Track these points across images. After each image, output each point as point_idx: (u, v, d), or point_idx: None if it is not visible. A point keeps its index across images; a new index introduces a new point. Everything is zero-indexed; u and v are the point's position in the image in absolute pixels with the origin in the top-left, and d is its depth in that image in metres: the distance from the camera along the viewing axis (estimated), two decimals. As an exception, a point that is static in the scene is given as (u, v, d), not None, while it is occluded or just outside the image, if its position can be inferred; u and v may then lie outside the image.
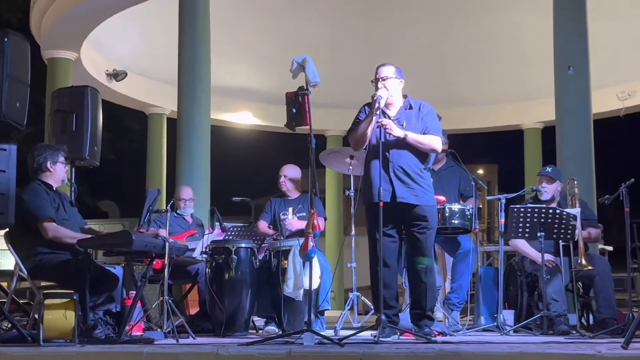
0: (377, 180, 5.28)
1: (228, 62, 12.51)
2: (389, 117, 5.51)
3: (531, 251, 6.58)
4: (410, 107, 5.57)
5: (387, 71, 5.56)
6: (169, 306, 5.60)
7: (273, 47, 12.57)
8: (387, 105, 5.53)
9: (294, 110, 5.20)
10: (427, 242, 5.45)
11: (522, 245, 6.65)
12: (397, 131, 5.37)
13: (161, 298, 5.78)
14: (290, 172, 7.12)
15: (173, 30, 9.75)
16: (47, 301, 4.93)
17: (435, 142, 5.50)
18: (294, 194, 7.09)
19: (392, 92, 5.52)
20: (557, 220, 6.18)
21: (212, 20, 9.71)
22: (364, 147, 5.51)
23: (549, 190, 6.69)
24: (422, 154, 5.50)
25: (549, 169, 6.81)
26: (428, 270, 5.45)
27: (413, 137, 5.41)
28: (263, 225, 7.04)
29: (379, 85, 5.49)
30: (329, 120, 14.62)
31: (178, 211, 7.60)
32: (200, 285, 6.75)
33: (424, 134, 5.48)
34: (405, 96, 5.63)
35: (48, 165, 5.60)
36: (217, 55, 10.04)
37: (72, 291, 5.03)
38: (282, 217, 6.97)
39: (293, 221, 6.82)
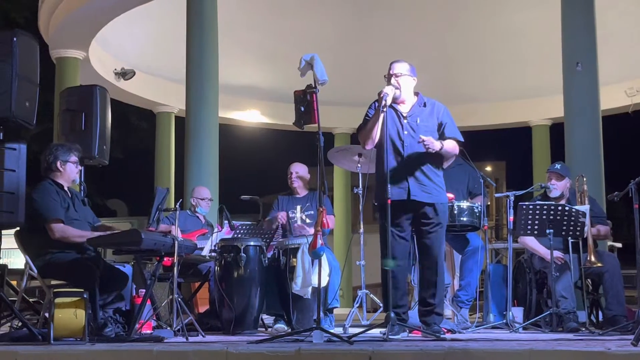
0: (392, 179, 5.28)
1: (236, 60, 12.52)
2: (402, 114, 5.50)
3: (540, 248, 6.56)
4: (424, 105, 5.56)
5: (401, 68, 5.54)
6: (179, 304, 5.61)
7: (281, 45, 12.57)
8: (398, 102, 5.51)
9: (302, 109, 5.20)
10: (437, 240, 5.44)
11: (531, 242, 6.63)
12: (437, 145, 5.35)
13: (170, 296, 5.79)
14: (301, 169, 7.15)
15: (181, 29, 9.77)
16: (58, 300, 4.93)
17: (456, 146, 5.56)
18: (302, 192, 7.11)
19: (404, 89, 5.49)
20: (566, 217, 6.16)
21: (219, 19, 9.71)
22: (374, 145, 5.48)
23: (558, 187, 6.67)
24: (436, 153, 5.48)
25: (558, 166, 6.79)
26: (438, 267, 5.44)
27: (446, 146, 5.43)
28: (270, 222, 7.05)
29: (392, 81, 5.47)
30: (337, 118, 14.61)
31: (197, 209, 7.62)
32: (211, 283, 6.77)
33: (445, 138, 5.49)
34: (417, 94, 5.61)
35: (58, 164, 5.56)
36: (225, 53, 10.05)
37: (82, 290, 5.03)
38: (290, 215, 6.98)
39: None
